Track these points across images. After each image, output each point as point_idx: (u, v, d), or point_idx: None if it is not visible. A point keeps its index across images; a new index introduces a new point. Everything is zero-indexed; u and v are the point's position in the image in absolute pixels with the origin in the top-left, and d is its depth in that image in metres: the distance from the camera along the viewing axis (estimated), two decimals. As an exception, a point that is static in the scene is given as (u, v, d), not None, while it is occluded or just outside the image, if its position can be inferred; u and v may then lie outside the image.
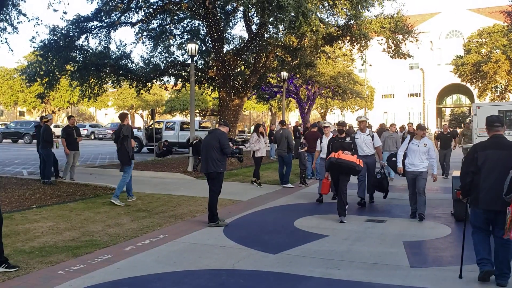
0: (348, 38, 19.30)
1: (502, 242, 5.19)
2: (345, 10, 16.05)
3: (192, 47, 16.41)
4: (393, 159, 9.62)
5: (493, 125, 5.54)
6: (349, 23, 17.99)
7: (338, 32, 18.91)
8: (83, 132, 47.31)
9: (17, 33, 14.51)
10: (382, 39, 20.76)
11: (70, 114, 14.70)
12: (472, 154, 5.51)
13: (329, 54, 23.51)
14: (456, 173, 9.52)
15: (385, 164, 10.44)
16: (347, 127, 10.68)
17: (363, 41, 18.70)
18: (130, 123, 10.99)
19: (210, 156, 8.30)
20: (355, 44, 19.68)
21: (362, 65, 20.96)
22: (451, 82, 62.31)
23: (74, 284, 5.33)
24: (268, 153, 20.30)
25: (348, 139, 9.16)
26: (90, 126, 52.51)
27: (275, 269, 5.89)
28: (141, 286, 5.33)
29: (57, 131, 28.70)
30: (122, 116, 10.77)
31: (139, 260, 6.26)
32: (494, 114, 5.89)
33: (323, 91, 38.08)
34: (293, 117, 67.18)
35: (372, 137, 10.77)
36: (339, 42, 20.43)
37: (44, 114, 22.72)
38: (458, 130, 24.78)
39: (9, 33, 14.38)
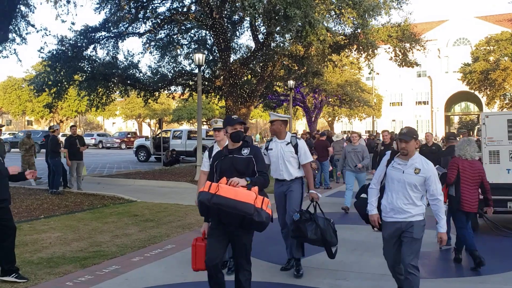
0: (355, 46, 19.32)
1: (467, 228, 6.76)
2: (352, 19, 16.05)
3: (199, 57, 16.48)
4: (362, 196, 5.29)
5: (449, 138, 8.18)
6: (356, 31, 18.01)
7: (345, 41, 18.94)
8: (91, 141, 47.59)
9: (25, 44, 14.72)
10: (389, 48, 20.75)
11: (72, 124, 14.89)
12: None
13: (336, 63, 23.53)
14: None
15: (318, 196, 6.28)
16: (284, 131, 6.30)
17: (370, 50, 18.71)
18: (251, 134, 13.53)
19: None
20: (362, 52, 19.69)
21: (370, 73, 21.02)
22: (459, 89, 61.95)
23: (82, 295, 5.32)
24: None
25: (246, 151, 4.66)
26: (98, 135, 52.76)
27: (283, 281, 5.86)
28: (149, 297, 5.30)
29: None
30: (245, 129, 12.94)
31: (147, 271, 6.25)
32: (450, 131, 8.25)
33: (330, 100, 38.08)
34: (300, 125, 67.20)
35: (296, 146, 6.19)
36: (346, 50, 20.44)
37: (51, 124, 22.88)
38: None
39: (17, 43, 14.51)
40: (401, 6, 17.99)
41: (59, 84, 19.00)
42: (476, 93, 46.84)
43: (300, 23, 13.52)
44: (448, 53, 69.18)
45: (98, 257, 6.83)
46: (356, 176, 11.12)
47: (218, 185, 4.31)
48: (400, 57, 20.93)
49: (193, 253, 4.79)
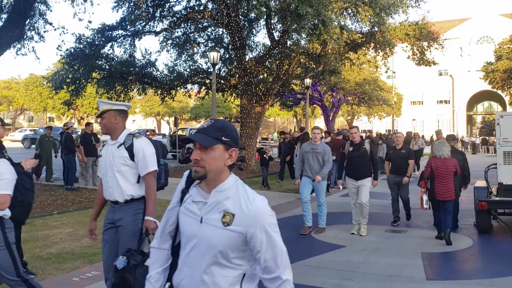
0: (372, 45, 19.16)
1: (445, 213, 7.83)
2: (368, 17, 15.90)
3: (213, 55, 16.50)
4: (147, 264, 2.54)
5: (448, 140, 8.82)
6: (373, 30, 17.84)
7: (362, 39, 18.78)
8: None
9: (43, 41, 14.89)
10: (406, 46, 20.53)
11: (87, 121, 14.91)
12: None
13: (353, 61, 23.35)
14: (480, 183, 9.26)
15: (157, 225, 3.95)
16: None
17: (387, 48, 18.53)
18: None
19: None
20: (379, 51, 19.51)
21: (386, 72, 20.81)
22: (482, 88, 60.94)
23: (86, 291, 5.33)
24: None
25: None
26: (118, 132, 53.22)
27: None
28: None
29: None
30: (302, 129, 16.41)
31: (153, 268, 6.26)
32: (450, 134, 9.60)
33: (349, 98, 37.78)
34: (318, 124, 66.84)
35: (130, 148, 4.03)
36: (364, 48, 20.28)
37: (65, 122, 23.20)
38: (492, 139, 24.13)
39: (35, 41, 14.72)
40: (419, 5, 17.80)
41: (77, 82, 19.24)
42: (499, 92, 46.02)
43: (313, 21, 13.43)
44: (471, 52, 68.11)
45: (106, 253, 6.87)
46: (314, 185, 8.43)
47: None
48: (418, 55, 20.70)
49: None
